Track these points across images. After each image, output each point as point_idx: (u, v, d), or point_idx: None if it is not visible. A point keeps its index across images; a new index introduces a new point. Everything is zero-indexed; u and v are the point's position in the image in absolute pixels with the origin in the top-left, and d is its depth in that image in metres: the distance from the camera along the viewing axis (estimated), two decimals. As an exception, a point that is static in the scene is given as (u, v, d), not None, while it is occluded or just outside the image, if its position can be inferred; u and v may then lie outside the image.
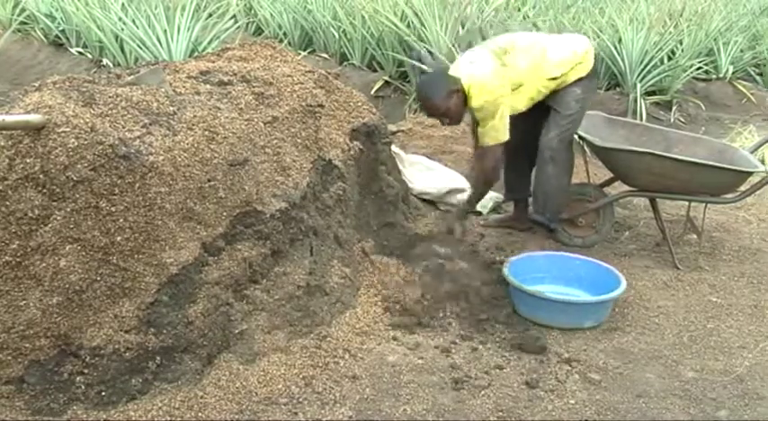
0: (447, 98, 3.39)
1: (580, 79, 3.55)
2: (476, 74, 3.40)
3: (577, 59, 3.53)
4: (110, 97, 2.55)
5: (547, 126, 3.60)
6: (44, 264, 2.31)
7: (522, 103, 3.52)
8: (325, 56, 7.42)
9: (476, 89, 3.38)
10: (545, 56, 3.49)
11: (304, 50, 7.63)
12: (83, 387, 2.35)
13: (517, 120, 3.53)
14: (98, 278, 2.35)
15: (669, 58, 6.77)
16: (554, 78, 3.51)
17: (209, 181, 2.58)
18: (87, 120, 2.37)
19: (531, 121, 3.63)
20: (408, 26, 6.36)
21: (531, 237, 3.82)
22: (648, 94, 6.55)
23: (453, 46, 5.73)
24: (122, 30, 6.09)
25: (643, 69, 6.40)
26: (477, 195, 3.80)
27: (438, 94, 3.40)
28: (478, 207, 4.26)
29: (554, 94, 3.57)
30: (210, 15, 6.62)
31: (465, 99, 3.42)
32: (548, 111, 3.61)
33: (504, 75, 3.41)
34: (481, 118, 3.46)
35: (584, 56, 3.56)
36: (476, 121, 3.58)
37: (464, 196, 4.27)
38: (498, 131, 3.44)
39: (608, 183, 4.06)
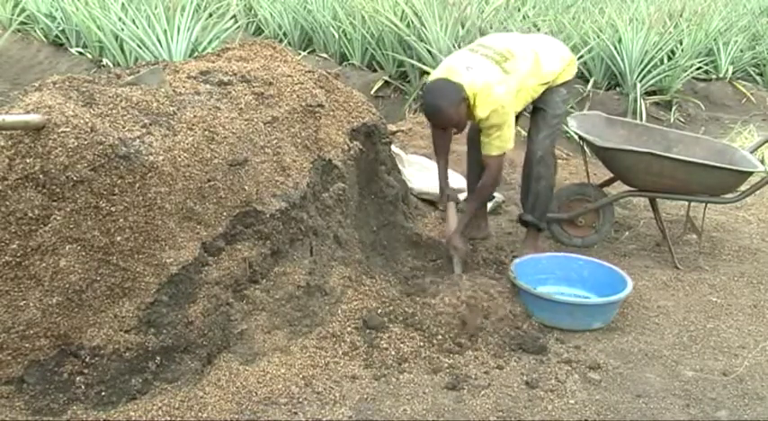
0: (458, 107, 3.27)
1: (565, 82, 3.63)
2: (481, 82, 3.29)
3: (564, 64, 3.60)
4: (110, 97, 2.55)
5: (537, 127, 3.62)
6: (44, 264, 2.31)
7: (517, 107, 3.48)
8: (326, 56, 7.43)
9: (482, 98, 3.29)
10: (539, 62, 3.50)
11: (304, 50, 7.64)
12: (83, 387, 2.35)
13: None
14: (98, 278, 2.35)
15: (669, 58, 6.78)
16: (545, 83, 3.54)
17: (209, 181, 2.58)
18: (87, 120, 2.37)
19: None
20: (408, 26, 6.36)
21: (529, 240, 3.79)
22: (648, 94, 6.55)
23: (453, 46, 5.73)
24: (122, 30, 6.10)
25: (643, 69, 6.40)
26: (479, 204, 3.68)
27: (450, 104, 3.25)
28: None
29: (542, 94, 3.59)
30: (210, 15, 6.63)
31: (469, 106, 3.33)
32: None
33: (508, 82, 3.36)
34: (487, 127, 3.36)
35: (570, 61, 3.66)
36: (477, 129, 3.49)
37: (463, 196, 4.27)
38: (504, 141, 3.37)
39: (608, 183, 4.06)
